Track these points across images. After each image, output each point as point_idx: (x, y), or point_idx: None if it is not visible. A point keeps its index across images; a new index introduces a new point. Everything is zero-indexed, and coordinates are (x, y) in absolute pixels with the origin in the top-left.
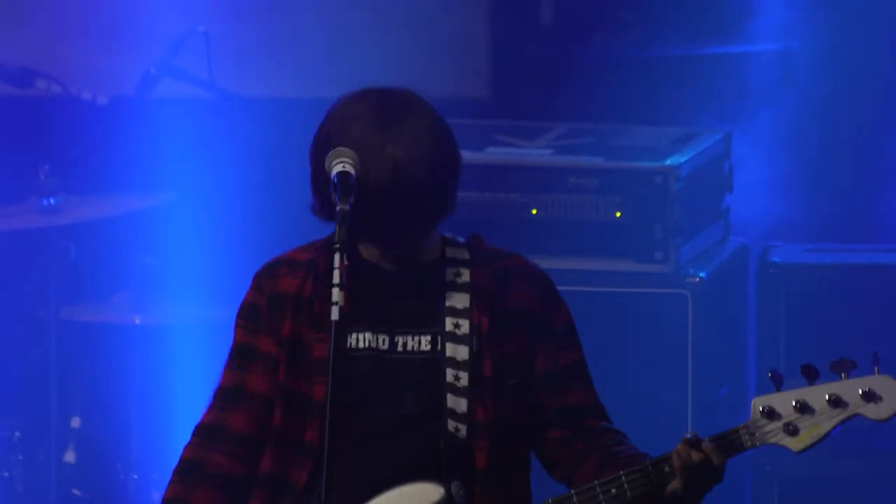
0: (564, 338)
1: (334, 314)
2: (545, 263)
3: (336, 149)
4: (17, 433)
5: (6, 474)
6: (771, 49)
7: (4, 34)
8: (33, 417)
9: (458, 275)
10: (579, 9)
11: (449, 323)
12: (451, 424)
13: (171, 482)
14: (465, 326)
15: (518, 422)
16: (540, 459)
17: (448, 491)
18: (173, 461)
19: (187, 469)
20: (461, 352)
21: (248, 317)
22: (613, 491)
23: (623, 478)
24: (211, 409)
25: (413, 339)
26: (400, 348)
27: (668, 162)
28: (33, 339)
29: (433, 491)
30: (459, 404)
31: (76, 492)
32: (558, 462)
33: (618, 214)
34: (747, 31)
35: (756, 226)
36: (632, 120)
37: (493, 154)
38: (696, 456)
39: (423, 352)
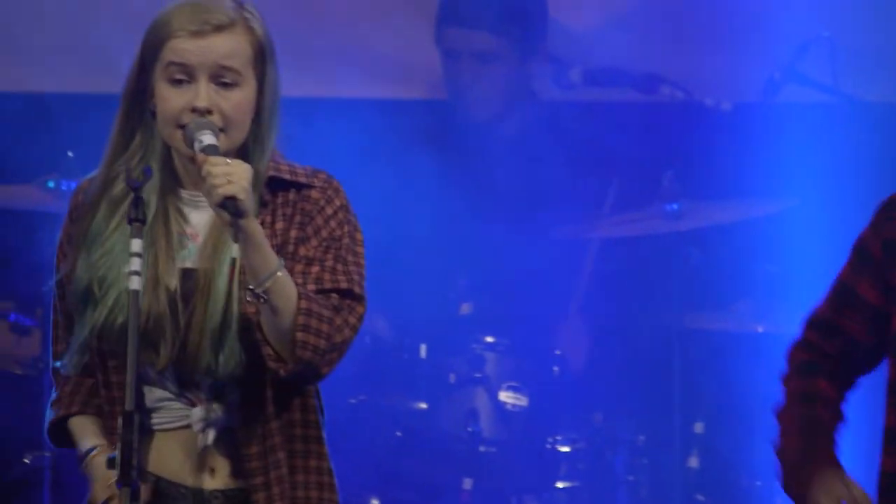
0: None
1: None
2: None
3: None
4: (642, 437)
5: (631, 478)
6: None
7: (630, 40)
8: (657, 422)
9: None
10: None
11: None
12: None
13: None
14: None
15: None
16: None
17: None
18: None
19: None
20: None
21: (859, 254)
22: None
23: None
24: (814, 346)
25: None
26: None
27: None
28: (657, 344)
29: None
30: None
31: (700, 497)
32: None
33: None
34: None
35: None
36: None
37: None
38: None
39: None
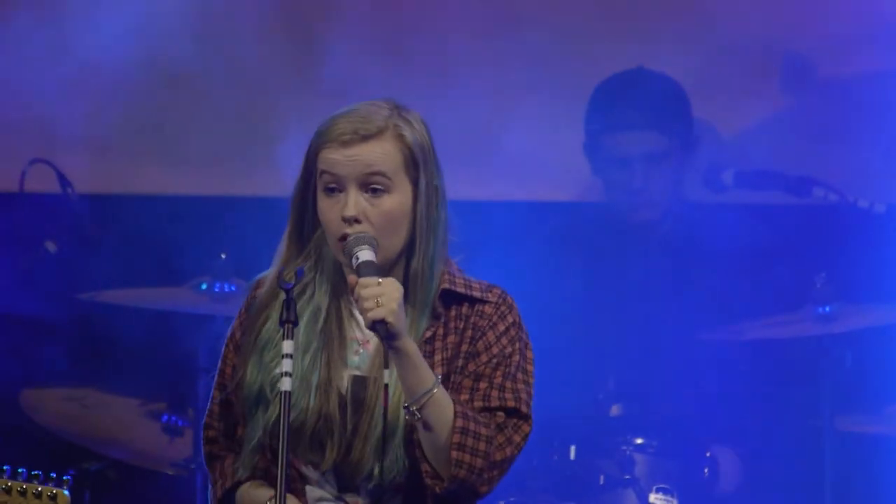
0: None
1: None
2: None
3: None
4: None
5: None
6: None
7: (783, 142)
8: None
9: None
10: None
11: None
12: None
13: None
14: None
15: None
16: None
17: None
18: None
19: None
20: None
21: None
22: None
23: None
24: None
25: None
26: None
27: None
28: (809, 446)
29: None
30: None
31: None
32: None
33: None
34: None
35: None
36: None
37: None
38: None
39: None
